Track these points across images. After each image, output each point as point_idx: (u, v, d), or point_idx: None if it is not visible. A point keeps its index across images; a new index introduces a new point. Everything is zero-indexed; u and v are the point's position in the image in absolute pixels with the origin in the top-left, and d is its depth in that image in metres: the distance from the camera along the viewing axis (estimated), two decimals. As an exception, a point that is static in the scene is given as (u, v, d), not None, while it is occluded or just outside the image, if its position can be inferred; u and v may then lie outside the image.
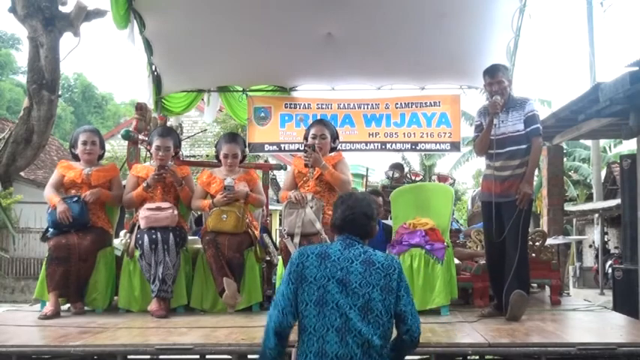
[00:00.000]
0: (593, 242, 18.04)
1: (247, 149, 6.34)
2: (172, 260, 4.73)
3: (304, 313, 2.78)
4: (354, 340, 2.71)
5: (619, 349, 3.46)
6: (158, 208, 4.87)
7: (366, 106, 7.81)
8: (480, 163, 28.33)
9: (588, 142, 19.82)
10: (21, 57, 36.93)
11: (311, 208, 4.62)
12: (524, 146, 4.52)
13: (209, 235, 4.86)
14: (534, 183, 5.23)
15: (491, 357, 4.39)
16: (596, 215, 16.72)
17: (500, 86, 4.56)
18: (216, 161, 5.47)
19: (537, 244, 5.64)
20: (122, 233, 5.28)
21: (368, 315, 2.75)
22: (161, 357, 4.24)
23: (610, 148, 23.02)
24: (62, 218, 4.72)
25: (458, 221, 7.39)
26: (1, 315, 5.15)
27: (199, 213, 5.89)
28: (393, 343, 2.86)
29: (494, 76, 4.59)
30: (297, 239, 4.56)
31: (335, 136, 5.04)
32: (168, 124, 7.41)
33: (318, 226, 4.56)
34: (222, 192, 4.89)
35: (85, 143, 5.05)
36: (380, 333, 2.75)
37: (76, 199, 4.84)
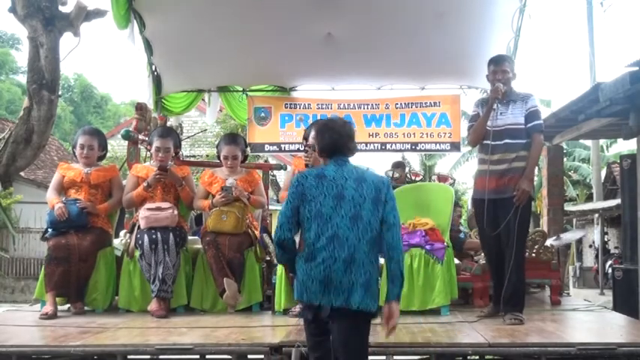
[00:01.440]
0: (593, 242, 18.04)
1: (249, 149, 6.34)
2: (172, 260, 4.73)
3: (305, 227, 3.15)
4: (340, 245, 3.05)
5: (619, 349, 3.46)
6: (158, 208, 4.88)
7: (366, 107, 7.81)
8: (480, 163, 28.27)
9: (588, 142, 19.82)
10: (21, 57, 36.95)
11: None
12: (522, 141, 4.40)
13: (209, 235, 4.86)
14: (534, 182, 5.18)
15: (491, 357, 4.39)
16: (596, 215, 16.71)
17: (504, 76, 4.47)
18: (217, 161, 5.46)
19: (537, 245, 5.62)
20: (122, 233, 5.28)
21: (358, 222, 3.09)
22: (161, 357, 4.23)
23: (607, 147, 23.01)
24: (59, 214, 4.74)
25: (462, 225, 7.36)
26: (1, 315, 5.16)
27: (198, 212, 5.89)
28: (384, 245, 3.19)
29: (500, 64, 4.52)
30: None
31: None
32: (169, 124, 7.41)
33: None
34: (221, 192, 4.90)
35: (82, 147, 5.05)
36: (368, 238, 3.09)
37: (75, 201, 4.85)
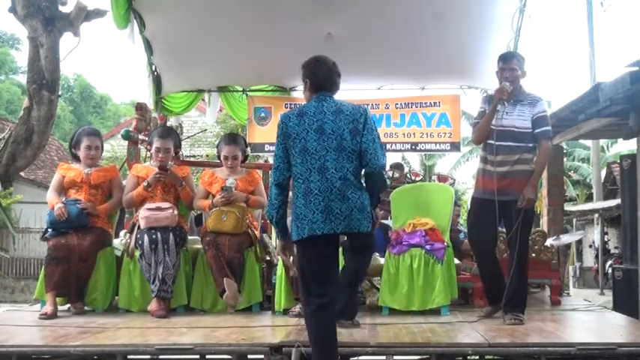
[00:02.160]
0: (593, 242, 18.04)
1: (249, 149, 6.34)
2: (172, 260, 4.73)
3: (293, 163, 3.39)
4: (332, 176, 3.32)
5: (619, 349, 3.46)
6: (158, 209, 4.87)
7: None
8: (480, 163, 28.25)
9: (588, 142, 19.83)
10: (21, 57, 36.95)
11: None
12: (527, 144, 4.33)
13: (209, 235, 4.85)
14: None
15: (491, 357, 4.39)
16: (596, 215, 16.71)
17: (512, 74, 4.37)
18: (217, 161, 5.46)
19: (537, 245, 5.61)
20: (122, 233, 5.28)
21: (342, 153, 3.35)
22: (161, 357, 4.23)
23: (607, 147, 23.00)
24: (59, 215, 4.73)
25: (462, 225, 7.36)
26: (1, 315, 5.16)
27: (198, 212, 5.89)
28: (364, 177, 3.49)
29: (508, 62, 4.41)
30: None
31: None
32: (169, 124, 7.41)
33: None
34: (221, 192, 4.90)
35: (89, 148, 5.05)
36: (352, 168, 3.36)
37: (75, 201, 4.85)
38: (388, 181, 7.62)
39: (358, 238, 3.50)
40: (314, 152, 3.34)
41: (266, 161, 14.61)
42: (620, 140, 17.77)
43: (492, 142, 4.38)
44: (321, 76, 3.50)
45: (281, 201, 3.40)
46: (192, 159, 13.49)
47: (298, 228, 3.32)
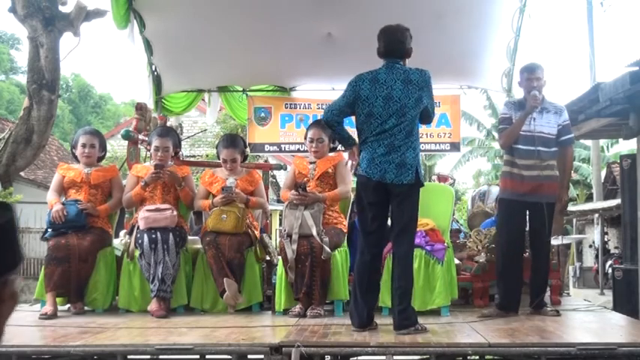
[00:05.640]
0: (593, 242, 18.03)
1: (248, 149, 6.33)
2: (172, 260, 4.72)
3: (359, 123, 3.92)
4: (386, 136, 3.81)
5: (619, 349, 3.45)
6: (157, 210, 4.87)
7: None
8: (481, 163, 28.32)
9: (588, 142, 19.81)
10: (21, 57, 36.97)
11: (312, 210, 4.64)
12: (553, 149, 4.61)
13: (209, 235, 4.85)
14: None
15: (491, 357, 4.39)
16: (596, 215, 16.70)
17: (539, 83, 4.61)
18: (217, 161, 5.46)
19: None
20: (122, 233, 5.28)
21: (401, 118, 3.81)
22: (161, 357, 4.23)
23: (607, 147, 22.99)
24: (55, 217, 4.73)
25: (458, 221, 7.37)
26: (1, 315, 5.15)
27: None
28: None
29: (534, 72, 4.64)
30: (294, 246, 4.57)
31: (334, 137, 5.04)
32: (168, 124, 7.41)
33: (314, 231, 4.58)
34: (221, 192, 4.90)
35: (84, 146, 5.06)
36: (408, 129, 3.82)
37: (75, 202, 4.85)
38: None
39: (396, 192, 3.84)
40: (378, 117, 3.81)
41: (266, 161, 14.61)
42: (620, 140, 17.75)
43: (521, 146, 4.61)
44: (386, 44, 3.95)
45: (339, 136, 4.14)
46: (192, 159, 13.49)
47: (359, 164, 3.95)
